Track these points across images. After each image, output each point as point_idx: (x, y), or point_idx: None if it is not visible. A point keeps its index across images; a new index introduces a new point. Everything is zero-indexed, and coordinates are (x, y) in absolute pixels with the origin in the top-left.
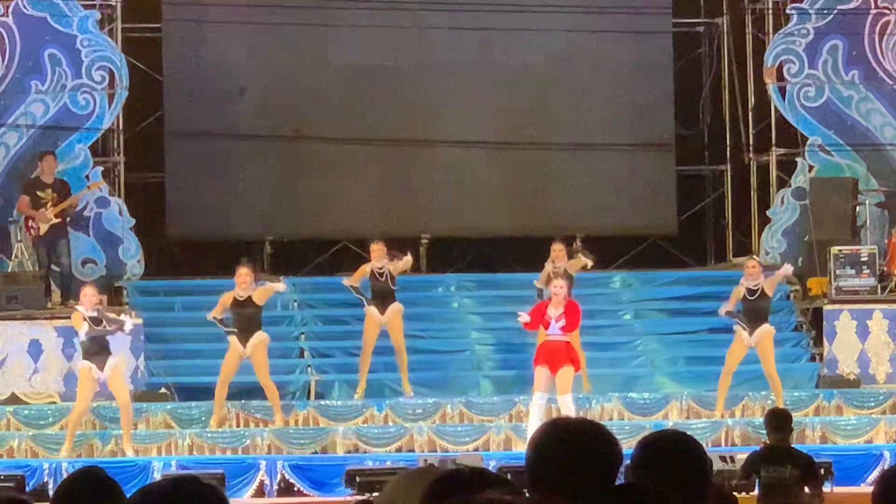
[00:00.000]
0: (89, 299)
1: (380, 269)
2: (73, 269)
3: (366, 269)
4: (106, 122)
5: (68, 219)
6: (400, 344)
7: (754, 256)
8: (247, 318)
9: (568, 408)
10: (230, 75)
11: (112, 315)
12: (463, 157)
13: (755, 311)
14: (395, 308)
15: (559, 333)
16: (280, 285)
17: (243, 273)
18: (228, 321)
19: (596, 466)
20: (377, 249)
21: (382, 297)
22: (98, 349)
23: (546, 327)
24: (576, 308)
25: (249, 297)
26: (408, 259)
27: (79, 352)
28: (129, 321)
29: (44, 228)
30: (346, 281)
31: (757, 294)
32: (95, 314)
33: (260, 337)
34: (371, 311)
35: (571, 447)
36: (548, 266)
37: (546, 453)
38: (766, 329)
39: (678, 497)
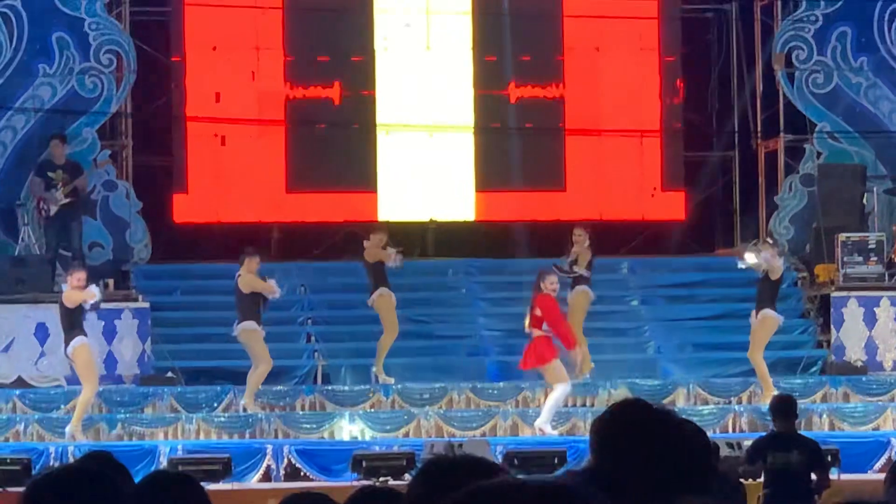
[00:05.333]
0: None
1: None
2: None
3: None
4: (114, 105)
5: (79, 201)
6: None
7: (768, 239)
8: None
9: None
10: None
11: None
12: (472, 142)
13: (757, 291)
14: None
15: None
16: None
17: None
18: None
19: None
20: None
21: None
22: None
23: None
24: None
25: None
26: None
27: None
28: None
29: (54, 210)
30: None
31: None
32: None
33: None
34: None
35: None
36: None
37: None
38: (763, 313)
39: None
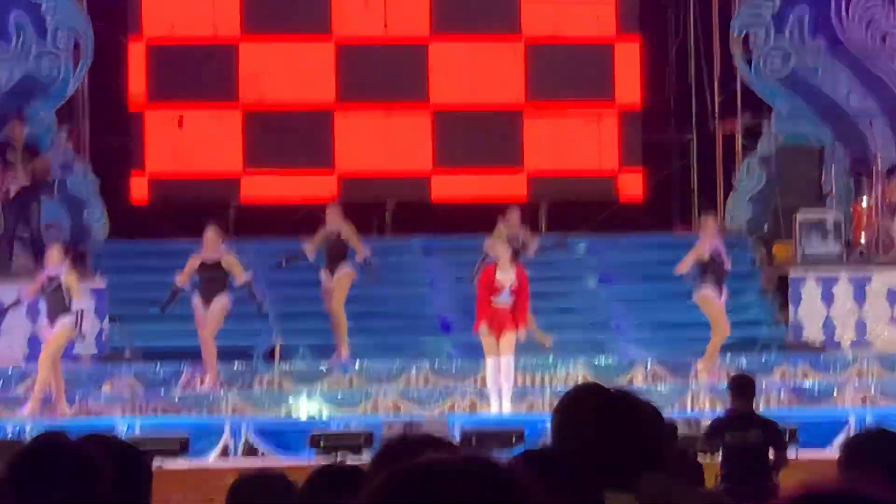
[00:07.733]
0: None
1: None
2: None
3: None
4: (71, 87)
5: (39, 182)
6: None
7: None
8: (213, 281)
9: (511, 367)
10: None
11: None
12: (428, 120)
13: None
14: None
15: (510, 300)
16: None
17: (210, 236)
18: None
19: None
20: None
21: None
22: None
23: (496, 294)
24: (525, 274)
25: (218, 262)
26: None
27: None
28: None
29: (14, 191)
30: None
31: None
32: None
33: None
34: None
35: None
36: (501, 228)
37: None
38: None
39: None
